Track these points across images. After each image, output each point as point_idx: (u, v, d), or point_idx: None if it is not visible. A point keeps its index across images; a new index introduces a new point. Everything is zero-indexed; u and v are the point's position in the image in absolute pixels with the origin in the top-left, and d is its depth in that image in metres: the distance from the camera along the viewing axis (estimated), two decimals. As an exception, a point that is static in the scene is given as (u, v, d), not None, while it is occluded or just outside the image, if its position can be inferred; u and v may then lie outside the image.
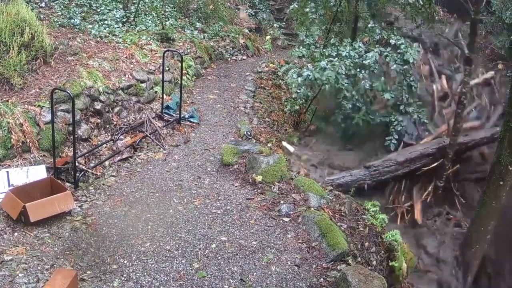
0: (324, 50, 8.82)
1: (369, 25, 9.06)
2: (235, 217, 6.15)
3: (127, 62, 9.06)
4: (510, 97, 8.10)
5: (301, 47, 9.71)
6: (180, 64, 9.35)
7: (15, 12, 7.48)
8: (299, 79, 8.27)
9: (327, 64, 7.98)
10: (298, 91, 8.45)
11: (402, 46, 8.17)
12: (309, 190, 6.66)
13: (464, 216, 10.21)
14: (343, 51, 8.21)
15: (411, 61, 8.05)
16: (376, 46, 8.50)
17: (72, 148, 6.54)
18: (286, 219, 6.16)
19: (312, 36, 9.60)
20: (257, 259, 5.41)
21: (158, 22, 11.42)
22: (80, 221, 5.82)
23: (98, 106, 7.70)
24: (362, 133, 9.95)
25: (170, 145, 8.08)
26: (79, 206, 6.10)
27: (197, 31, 12.61)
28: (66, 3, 10.39)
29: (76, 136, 6.69)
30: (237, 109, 9.85)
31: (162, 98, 8.91)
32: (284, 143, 9.70)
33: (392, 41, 8.31)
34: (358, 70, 8.07)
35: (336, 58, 8.19)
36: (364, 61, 8.14)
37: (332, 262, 5.49)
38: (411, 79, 8.33)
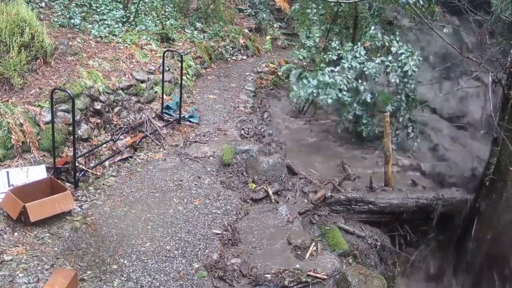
0: (325, 56, 8.74)
1: (371, 31, 8.91)
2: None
3: (127, 62, 9.06)
4: (503, 99, 8.04)
5: (301, 49, 9.69)
6: (180, 64, 9.35)
7: (15, 12, 7.47)
8: (301, 92, 8.17)
9: (329, 78, 7.87)
10: (299, 95, 8.37)
11: (403, 56, 8.03)
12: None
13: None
14: (344, 62, 8.11)
15: (410, 73, 7.93)
16: (378, 55, 8.38)
17: (72, 148, 6.53)
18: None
19: (313, 38, 9.55)
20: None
21: (158, 22, 11.42)
22: (80, 221, 5.82)
23: (98, 106, 7.69)
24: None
25: (170, 145, 8.08)
26: (79, 206, 6.10)
27: (197, 31, 12.60)
28: (66, 3, 10.38)
29: (76, 136, 6.69)
30: (237, 109, 9.85)
31: (162, 98, 8.91)
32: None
33: (394, 49, 8.16)
34: (360, 81, 7.98)
35: (338, 67, 8.08)
36: (365, 70, 8.05)
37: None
38: (412, 87, 8.18)
